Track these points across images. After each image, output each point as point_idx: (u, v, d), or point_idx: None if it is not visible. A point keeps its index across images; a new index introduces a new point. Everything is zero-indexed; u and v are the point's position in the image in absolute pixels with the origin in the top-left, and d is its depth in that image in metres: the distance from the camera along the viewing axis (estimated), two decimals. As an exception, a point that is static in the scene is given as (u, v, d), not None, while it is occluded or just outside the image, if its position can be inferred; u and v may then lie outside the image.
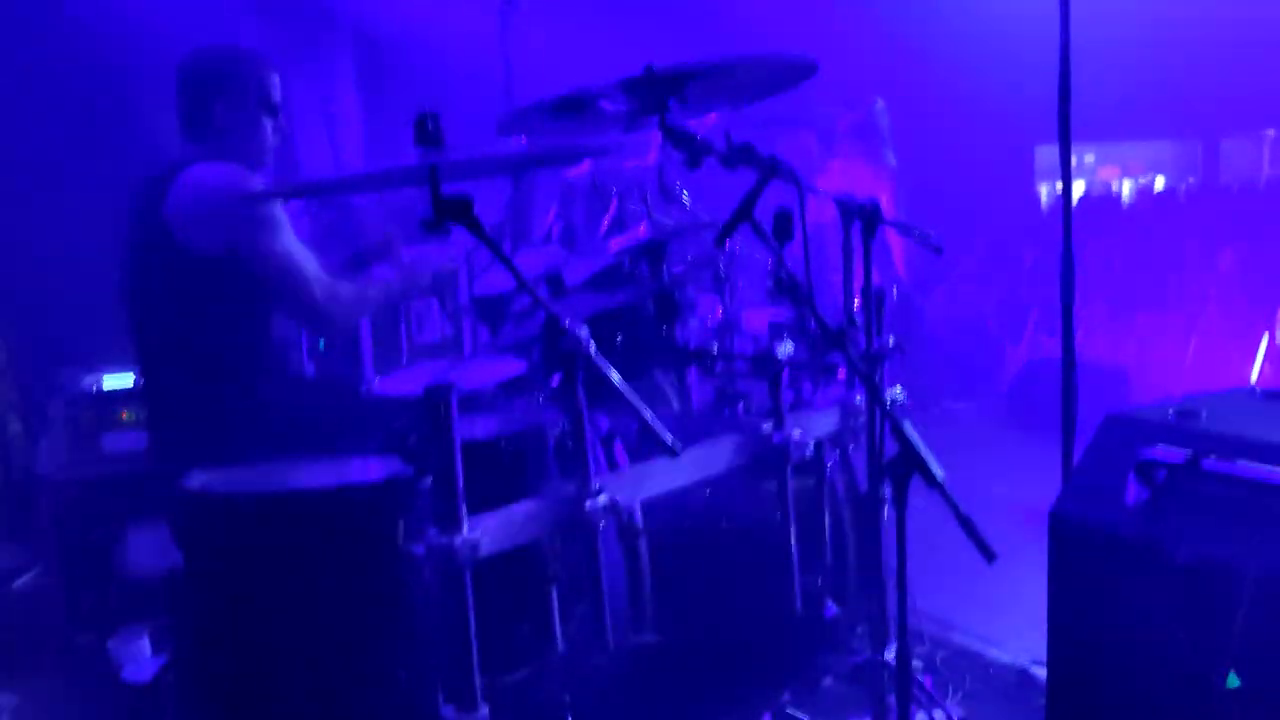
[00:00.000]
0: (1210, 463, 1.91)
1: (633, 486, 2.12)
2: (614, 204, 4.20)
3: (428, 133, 2.25)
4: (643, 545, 2.28)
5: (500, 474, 2.22)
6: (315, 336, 3.59)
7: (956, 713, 2.74)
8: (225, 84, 2.85)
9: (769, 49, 2.10)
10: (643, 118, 2.34)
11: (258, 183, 2.74)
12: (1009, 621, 3.16)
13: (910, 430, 1.94)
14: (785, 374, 2.46)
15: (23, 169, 4.95)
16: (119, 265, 2.88)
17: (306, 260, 2.74)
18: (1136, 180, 10.85)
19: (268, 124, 2.90)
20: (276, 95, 2.92)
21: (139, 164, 2.93)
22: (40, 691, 3.29)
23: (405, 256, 3.02)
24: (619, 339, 2.81)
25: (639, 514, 2.24)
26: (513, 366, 2.83)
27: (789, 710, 2.60)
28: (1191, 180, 10.77)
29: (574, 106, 2.26)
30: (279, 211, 2.72)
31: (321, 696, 2.07)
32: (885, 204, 2.78)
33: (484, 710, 1.79)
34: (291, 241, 2.73)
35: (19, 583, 4.06)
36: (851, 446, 2.76)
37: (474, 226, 1.92)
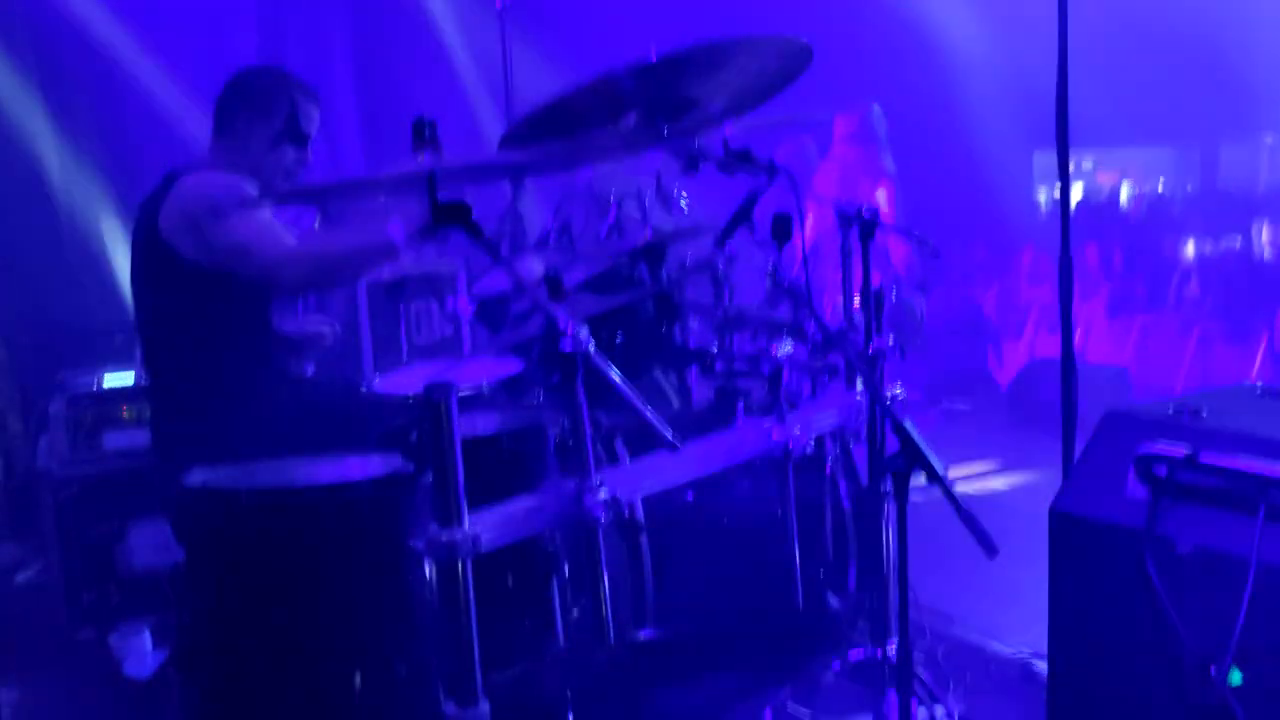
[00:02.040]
0: (1210, 457, 1.92)
1: (633, 482, 2.12)
2: (612, 208, 4.22)
3: (425, 138, 2.26)
4: (644, 541, 2.29)
5: (501, 470, 2.22)
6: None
7: (957, 707, 2.74)
8: (254, 96, 2.86)
9: (759, 31, 2.11)
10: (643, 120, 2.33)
11: (249, 188, 2.74)
12: (1010, 615, 3.17)
13: (911, 426, 1.95)
14: (785, 372, 2.47)
15: (25, 170, 4.98)
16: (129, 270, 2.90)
17: (260, 234, 2.68)
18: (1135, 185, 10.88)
19: (290, 150, 2.89)
20: (308, 126, 2.90)
21: (148, 168, 2.94)
22: (41, 687, 3.29)
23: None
24: (619, 340, 2.81)
25: (640, 509, 2.25)
26: (512, 366, 2.83)
27: (790, 706, 2.60)
28: (1190, 186, 10.81)
29: (574, 115, 2.25)
30: (234, 198, 2.68)
31: (322, 693, 2.07)
32: (883, 208, 2.80)
33: (484, 706, 1.79)
34: (242, 224, 2.67)
35: (20, 578, 4.07)
36: (852, 443, 2.77)
37: (473, 232, 1.93)
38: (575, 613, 2.20)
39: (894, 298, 5.44)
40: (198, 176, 2.77)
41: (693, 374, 3.28)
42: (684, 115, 2.31)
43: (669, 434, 1.98)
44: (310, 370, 3.51)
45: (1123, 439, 2.10)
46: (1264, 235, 7.31)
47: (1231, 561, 1.82)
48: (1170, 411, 2.11)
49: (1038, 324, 7.48)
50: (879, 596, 2.69)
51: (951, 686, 2.87)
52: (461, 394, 1.90)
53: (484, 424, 2.47)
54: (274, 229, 2.70)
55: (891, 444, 2.02)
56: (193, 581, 2.18)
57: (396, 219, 2.49)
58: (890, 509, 2.55)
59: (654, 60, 2.07)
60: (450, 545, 1.75)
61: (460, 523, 1.77)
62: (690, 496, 2.50)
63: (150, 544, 3.53)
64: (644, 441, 2.21)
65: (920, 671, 2.73)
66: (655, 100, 2.24)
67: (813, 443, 2.54)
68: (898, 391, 2.64)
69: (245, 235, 2.66)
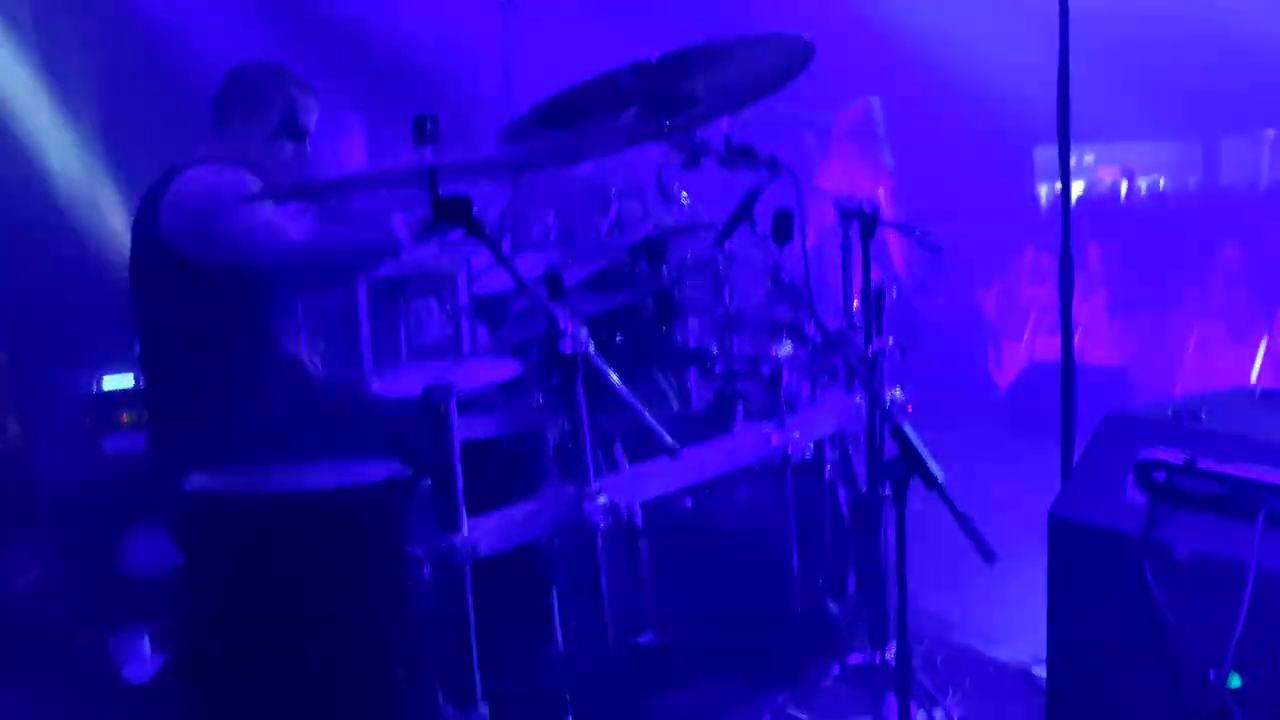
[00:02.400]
0: (1208, 462, 1.91)
1: (632, 487, 2.12)
2: (613, 204, 4.20)
3: (426, 134, 2.25)
4: (643, 546, 2.29)
5: (500, 475, 2.22)
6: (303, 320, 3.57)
7: (956, 712, 2.73)
8: (251, 92, 2.86)
9: (763, 31, 2.10)
10: (646, 118, 2.32)
11: (251, 183, 2.73)
12: (1009, 620, 3.16)
13: (910, 431, 1.95)
14: (784, 374, 2.46)
15: (27, 170, 4.97)
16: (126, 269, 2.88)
17: (263, 229, 2.64)
18: (1135, 180, 10.85)
19: (287, 145, 2.89)
20: (306, 121, 2.90)
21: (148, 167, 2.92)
22: (41, 691, 3.28)
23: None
24: (618, 340, 2.81)
25: (639, 514, 2.24)
26: (511, 367, 2.82)
27: (789, 709, 2.60)
28: (1192, 181, 10.78)
29: (576, 110, 2.25)
30: (236, 192, 2.67)
31: (321, 695, 2.08)
32: (884, 204, 2.79)
33: (483, 709, 1.79)
34: (245, 219, 2.63)
35: (20, 583, 4.06)
36: (851, 447, 2.76)
37: (473, 228, 1.92)
38: (574, 617, 2.19)
39: (894, 296, 5.43)
40: (199, 170, 2.74)
41: (692, 375, 3.27)
42: (685, 112, 2.31)
43: (668, 439, 1.97)
44: (318, 366, 3.50)
45: (1122, 443, 2.09)
46: None
47: (1230, 567, 1.81)
48: (1169, 415, 2.10)
49: (1037, 324, 7.47)
50: (878, 601, 2.69)
51: (951, 691, 2.87)
52: (460, 397, 1.90)
53: (483, 427, 2.46)
54: (277, 224, 2.69)
55: (891, 448, 2.02)
56: (191, 585, 2.18)
57: (400, 216, 2.48)
58: (889, 514, 2.55)
59: (655, 59, 2.07)
60: (449, 551, 1.75)
61: (459, 528, 1.77)
62: (689, 501, 2.50)
63: (149, 548, 3.52)
64: (643, 446, 2.21)
65: (919, 676, 2.72)
66: (656, 98, 2.23)
67: (811, 447, 2.54)
68: (897, 394, 2.63)
69: (248, 230, 2.64)
